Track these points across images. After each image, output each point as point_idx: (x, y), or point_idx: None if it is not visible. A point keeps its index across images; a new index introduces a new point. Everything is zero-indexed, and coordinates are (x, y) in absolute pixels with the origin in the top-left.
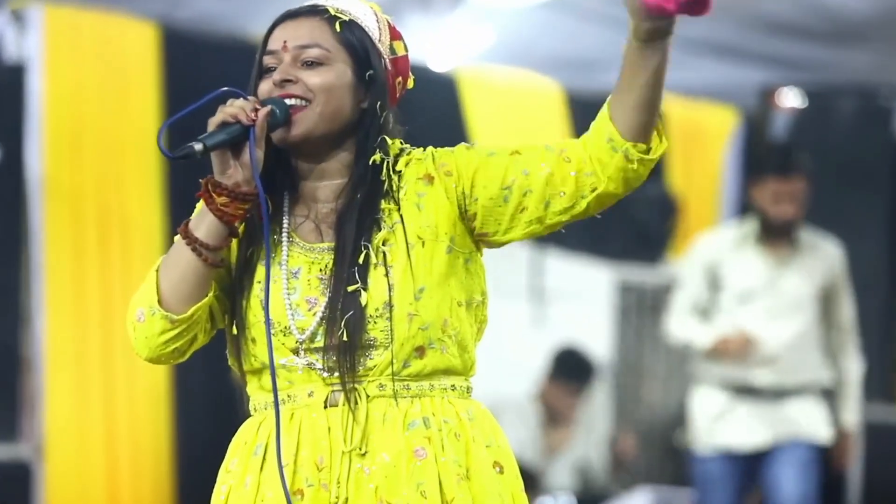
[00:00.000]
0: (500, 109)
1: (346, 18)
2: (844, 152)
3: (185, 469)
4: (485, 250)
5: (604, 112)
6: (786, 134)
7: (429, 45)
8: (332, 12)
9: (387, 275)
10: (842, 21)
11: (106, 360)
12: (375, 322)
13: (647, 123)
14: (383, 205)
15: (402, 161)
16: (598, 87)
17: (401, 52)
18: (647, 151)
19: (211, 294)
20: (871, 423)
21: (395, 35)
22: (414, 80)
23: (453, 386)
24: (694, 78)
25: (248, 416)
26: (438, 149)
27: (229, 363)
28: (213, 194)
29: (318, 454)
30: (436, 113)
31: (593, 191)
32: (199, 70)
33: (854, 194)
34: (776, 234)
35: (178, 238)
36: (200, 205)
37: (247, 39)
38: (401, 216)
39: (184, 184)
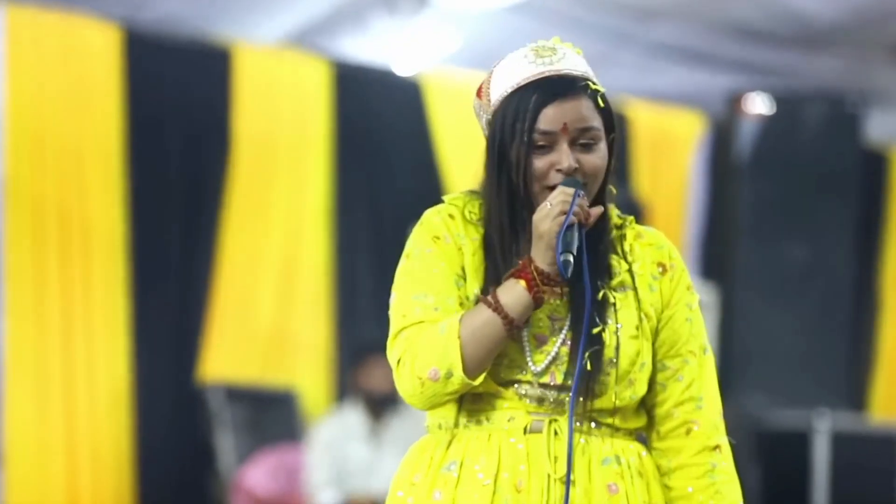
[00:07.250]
0: (465, 114)
1: (602, 90)
2: (812, 159)
3: (146, 475)
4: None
5: None
6: (753, 139)
7: (393, 49)
8: (592, 87)
9: (617, 333)
10: (810, 27)
11: (66, 365)
12: (606, 374)
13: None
14: (613, 260)
15: (630, 233)
16: None
17: None
18: None
19: None
20: (838, 433)
21: None
22: None
23: (629, 432)
24: (662, 83)
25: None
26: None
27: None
28: (539, 281)
29: (518, 478)
30: (400, 117)
31: None
32: (163, 72)
33: (822, 201)
34: None
35: (486, 311)
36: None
37: (210, 41)
38: (635, 287)
39: (145, 188)
